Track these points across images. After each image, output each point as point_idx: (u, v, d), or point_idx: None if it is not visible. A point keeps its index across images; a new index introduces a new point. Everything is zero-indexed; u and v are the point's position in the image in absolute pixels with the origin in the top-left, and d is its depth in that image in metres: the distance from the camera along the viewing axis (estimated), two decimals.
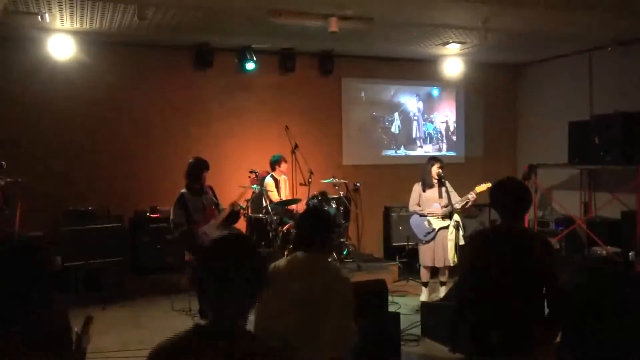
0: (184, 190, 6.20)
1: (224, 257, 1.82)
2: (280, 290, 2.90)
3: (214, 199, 6.32)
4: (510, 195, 3.18)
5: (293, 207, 7.75)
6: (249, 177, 6.85)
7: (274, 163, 7.83)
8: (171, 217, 6.18)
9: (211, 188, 6.39)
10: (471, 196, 6.54)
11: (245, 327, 1.85)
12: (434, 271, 6.87)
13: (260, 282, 1.85)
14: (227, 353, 1.72)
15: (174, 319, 6.44)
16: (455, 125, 10.14)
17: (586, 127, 7.95)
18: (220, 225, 6.20)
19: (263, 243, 7.32)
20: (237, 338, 1.77)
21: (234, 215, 6.37)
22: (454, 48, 8.51)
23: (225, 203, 6.39)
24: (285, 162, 7.93)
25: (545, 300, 3.05)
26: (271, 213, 7.04)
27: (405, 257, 8.47)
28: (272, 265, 3.04)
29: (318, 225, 3.06)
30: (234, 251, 1.84)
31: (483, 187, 6.48)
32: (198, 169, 6.16)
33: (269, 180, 7.75)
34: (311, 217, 3.16)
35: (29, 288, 2.44)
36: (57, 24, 6.77)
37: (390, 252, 8.82)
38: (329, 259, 3.06)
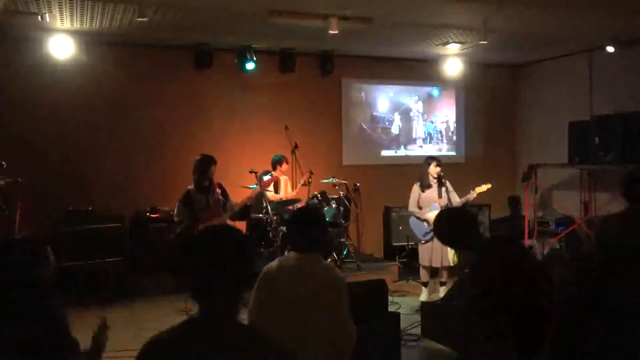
0: (191, 186, 6.19)
1: (211, 249, 1.78)
2: (271, 291, 2.89)
3: (221, 197, 6.29)
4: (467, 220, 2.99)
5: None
6: (269, 176, 6.82)
7: (276, 162, 7.83)
8: (175, 212, 6.21)
9: (221, 186, 6.36)
10: (470, 196, 6.54)
11: (237, 320, 1.79)
12: (434, 271, 6.88)
13: (247, 275, 1.81)
14: (220, 347, 1.69)
15: (174, 319, 6.41)
16: (455, 125, 10.14)
17: (586, 127, 7.95)
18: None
19: (263, 243, 7.32)
20: (231, 331, 1.74)
21: (245, 209, 6.37)
22: (454, 48, 8.51)
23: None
24: (287, 163, 7.94)
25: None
26: (271, 213, 7.04)
27: (405, 257, 8.48)
28: (266, 266, 3.02)
29: (307, 225, 3.00)
30: (221, 243, 1.79)
31: (483, 187, 6.48)
32: (206, 165, 6.15)
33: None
34: (301, 216, 3.14)
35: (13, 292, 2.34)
36: (57, 24, 6.77)
37: (390, 252, 8.82)
38: (321, 259, 3.01)
